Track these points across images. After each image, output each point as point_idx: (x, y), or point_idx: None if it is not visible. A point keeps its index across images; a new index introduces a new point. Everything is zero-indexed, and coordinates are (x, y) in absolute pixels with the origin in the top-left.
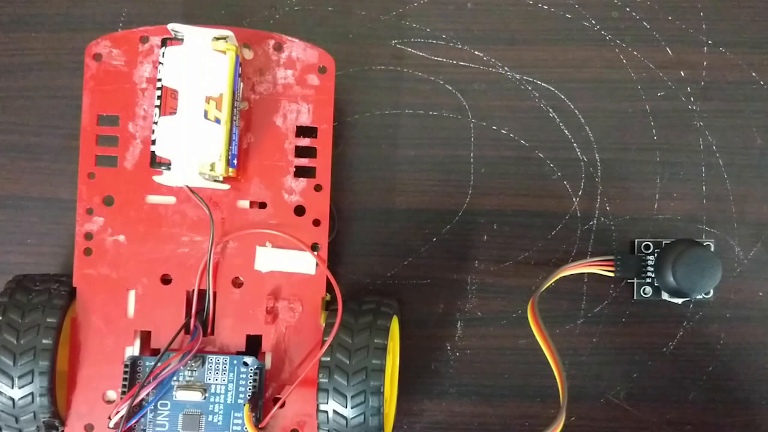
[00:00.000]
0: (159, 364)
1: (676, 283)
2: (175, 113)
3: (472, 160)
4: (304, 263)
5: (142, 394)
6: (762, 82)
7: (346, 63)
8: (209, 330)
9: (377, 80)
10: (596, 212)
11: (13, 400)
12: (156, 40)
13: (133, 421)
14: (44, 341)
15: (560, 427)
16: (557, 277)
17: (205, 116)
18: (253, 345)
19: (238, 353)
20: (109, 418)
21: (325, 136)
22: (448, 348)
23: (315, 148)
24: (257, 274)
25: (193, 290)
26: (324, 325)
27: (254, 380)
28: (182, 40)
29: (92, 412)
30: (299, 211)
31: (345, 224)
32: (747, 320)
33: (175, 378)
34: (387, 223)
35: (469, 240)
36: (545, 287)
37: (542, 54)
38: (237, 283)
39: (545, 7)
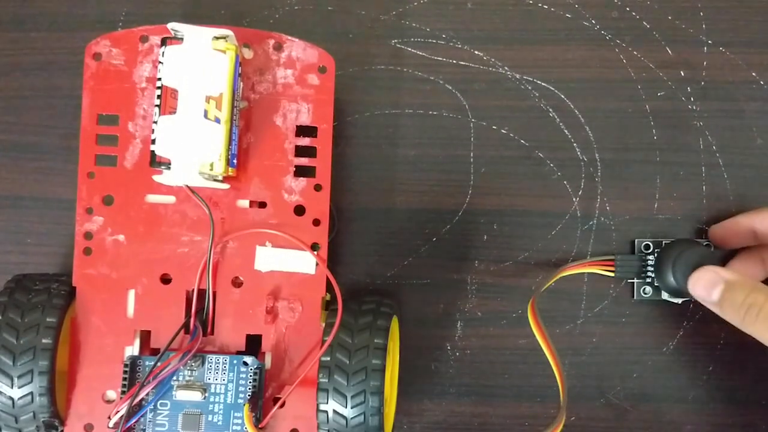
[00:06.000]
0: (159, 364)
1: (675, 283)
2: (174, 113)
3: (472, 160)
4: (304, 263)
5: (142, 394)
6: (762, 82)
7: (346, 63)
8: (209, 330)
9: (377, 80)
10: (596, 212)
11: (12, 399)
12: (156, 40)
13: (133, 421)
14: (44, 341)
15: (560, 427)
16: (557, 277)
17: (205, 116)
18: (253, 345)
19: (238, 353)
20: (109, 417)
21: (325, 135)
22: (448, 348)
23: (315, 147)
24: (257, 274)
25: (193, 290)
26: (324, 325)
27: (254, 380)
28: (182, 39)
29: (92, 412)
30: (299, 210)
31: (345, 224)
32: None
33: (174, 378)
34: (387, 223)
35: (469, 240)
36: (545, 287)
37: (542, 54)
38: (237, 283)
39: (545, 7)
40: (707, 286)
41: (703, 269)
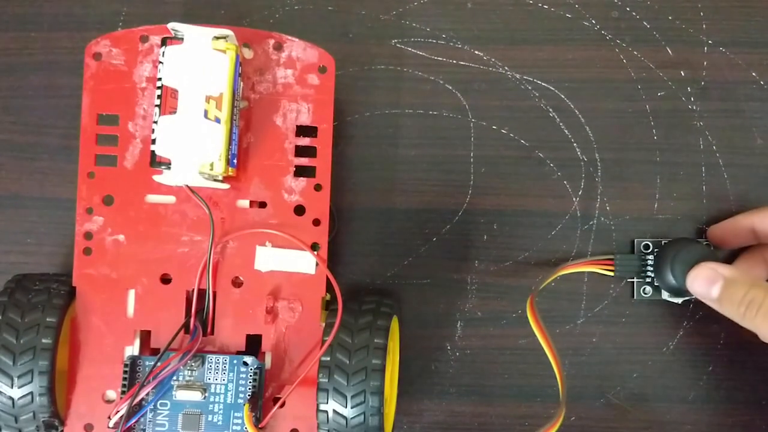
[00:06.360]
0: (159, 364)
1: (674, 280)
2: (175, 113)
3: (472, 160)
4: (304, 263)
5: (142, 394)
6: (762, 82)
7: (346, 63)
8: (209, 330)
9: (377, 80)
10: (596, 212)
11: (12, 399)
12: (156, 40)
13: (133, 421)
14: (44, 341)
15: (560, 420)
16: (556, 275)
17: (205, 115)
18: (253, 345)
19: (238, 353)
20: (109, 417)
21: (325, 135)
22: (448, 348)
23: (315, 147)
24: (257, 274)
25: (193, 290)
26: (324, 325)
27: (254, 380)
28: (182, 39)
29: (92, 412)
30: (299, 210)
31: (345, 224)
32: None
33: (174, 378)
34: (387, 223)
35: (469, 240)
36: (544, 285)
37: (542, 54)
38: (237, 283)
39: (545, 7)
40: (706, 282)
41: (701, 266)
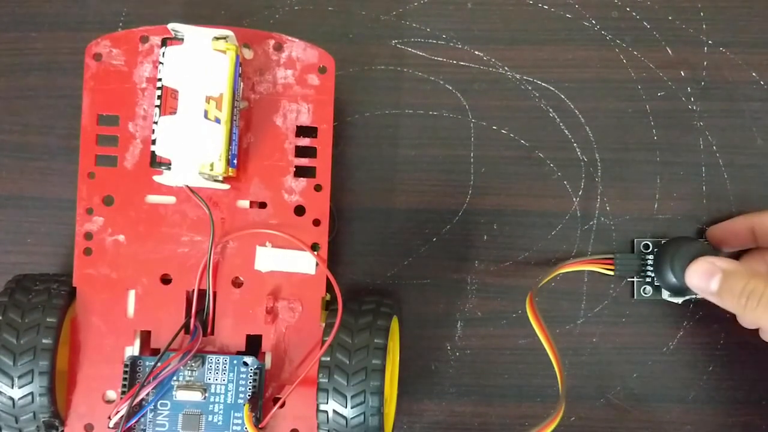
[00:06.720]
0: (159, 364)
1: (674, 276)
2: (175, 113)
3: (472, 160)
4: (304, 263)
5: (142, 394)
6: (762, 82)
7: (346, 63)
8: (209, 330)
9: (377, 80)
10: (596, 212)
11: (12, 399)
12: (156, 40)
13: (133, 421)
14: (44, 341)
15: (560, 413)
16: (556, 273)
17: (205, 116)
18: (253, 345)
19: (238, 353)
20: (109, 418)
21: (325, 136)
22: (448, 348)
23: (315, 148)
24: (257, 274)
25: (193, 290)
26: (324, 325)
27: (254, 380)
28: (182, 39)
29: (92, 412)
30: (299, 211)
31: (345, 224)
32: None
33: (175, 378)
34: (387, 223)
35: (469, 240)
36: (544, 282)
37: (542, 54)
38: (237, 283)
39: (545, 7)
40: (704, 276)
41: (699, 260)
